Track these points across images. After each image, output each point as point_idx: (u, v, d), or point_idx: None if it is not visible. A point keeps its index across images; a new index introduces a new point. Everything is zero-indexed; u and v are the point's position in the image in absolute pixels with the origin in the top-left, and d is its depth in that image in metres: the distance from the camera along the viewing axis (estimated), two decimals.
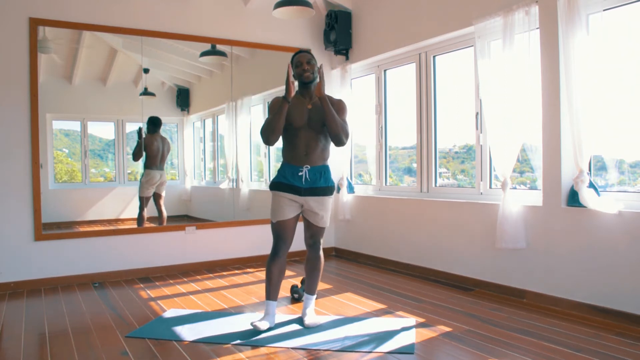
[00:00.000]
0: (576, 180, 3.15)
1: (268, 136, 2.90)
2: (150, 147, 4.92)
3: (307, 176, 2.92)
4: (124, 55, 4.97)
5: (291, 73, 2.88)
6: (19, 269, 4.09)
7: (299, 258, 5.17)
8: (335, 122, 2.86)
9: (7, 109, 4.06)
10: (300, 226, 3.10)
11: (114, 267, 4.45)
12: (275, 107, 2.94)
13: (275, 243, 2.98)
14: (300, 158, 2.94)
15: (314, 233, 3.07)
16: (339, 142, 2.91)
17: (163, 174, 5.06)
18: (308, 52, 3.02)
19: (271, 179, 3.08)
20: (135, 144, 4.89)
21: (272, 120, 2.88)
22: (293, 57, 3.03)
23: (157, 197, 5.00)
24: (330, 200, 3.04)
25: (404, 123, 4.87)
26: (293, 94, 2.87)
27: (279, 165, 3.08)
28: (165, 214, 5.03)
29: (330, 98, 2.99)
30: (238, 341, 2.78)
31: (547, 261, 3.41)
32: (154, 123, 4.94)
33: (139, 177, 5.01)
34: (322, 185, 2.97)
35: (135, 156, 4.95)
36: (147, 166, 4.94)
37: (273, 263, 2.97)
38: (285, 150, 3.02)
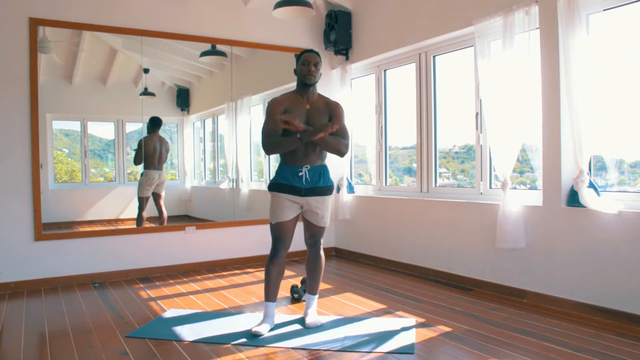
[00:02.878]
0: (576, 180, 3.15)
1: (273, 152, 2.94)
2: (147, 147, 4.93)
3: (307, 176, 2.91)
4: (124, 55, 4.97)
5: (298, 126, 2.74)
6: (19, 269, 4.09)
7: (299, 258, 5.17)
8: (339, 147, 2.89)
9: (7, 109, 4.05)
10: (299, 227, 3.09)
11: (114, 267, 4.45)
12: (276, 110, 2.87)
13: (275, 244, 2.97)
14: (300, 158, 2.91)
15: (314, 233, 3.06)
16: (340, 155, 2.95)
17: (162, 174, 5.07)
18: (317, 53, 2.95)
19: (270, 179, 3.05)
20: (137, 146, 4.95)
21: (282, 146, 2.86)
22: (302, 53, 2.96)
23: (156, 197, 5.02)
24: (330, 199, 3.03)
25: (404, 123, 4.87)
26: (302, 127, 2.78)
27: (277, 165, 3.08)
28: (165, 213, 5.04)
29: (327, 101, 2.99)
30: (238, 341, 2.78)
31: (547, 261, 3.41)
32: (154, 123, 4.96)
33: (138, 178, 5.03)
34: (322, 185, 2.96)
35: (136, 159, 4.98)
36: (145, 166, 4.95)
37: (272, 264, 2.96)
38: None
